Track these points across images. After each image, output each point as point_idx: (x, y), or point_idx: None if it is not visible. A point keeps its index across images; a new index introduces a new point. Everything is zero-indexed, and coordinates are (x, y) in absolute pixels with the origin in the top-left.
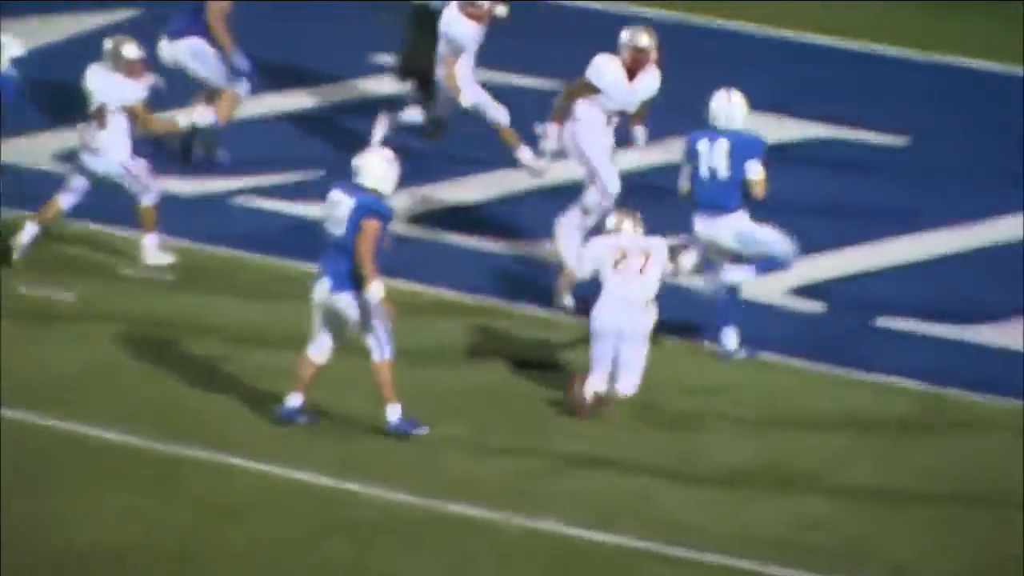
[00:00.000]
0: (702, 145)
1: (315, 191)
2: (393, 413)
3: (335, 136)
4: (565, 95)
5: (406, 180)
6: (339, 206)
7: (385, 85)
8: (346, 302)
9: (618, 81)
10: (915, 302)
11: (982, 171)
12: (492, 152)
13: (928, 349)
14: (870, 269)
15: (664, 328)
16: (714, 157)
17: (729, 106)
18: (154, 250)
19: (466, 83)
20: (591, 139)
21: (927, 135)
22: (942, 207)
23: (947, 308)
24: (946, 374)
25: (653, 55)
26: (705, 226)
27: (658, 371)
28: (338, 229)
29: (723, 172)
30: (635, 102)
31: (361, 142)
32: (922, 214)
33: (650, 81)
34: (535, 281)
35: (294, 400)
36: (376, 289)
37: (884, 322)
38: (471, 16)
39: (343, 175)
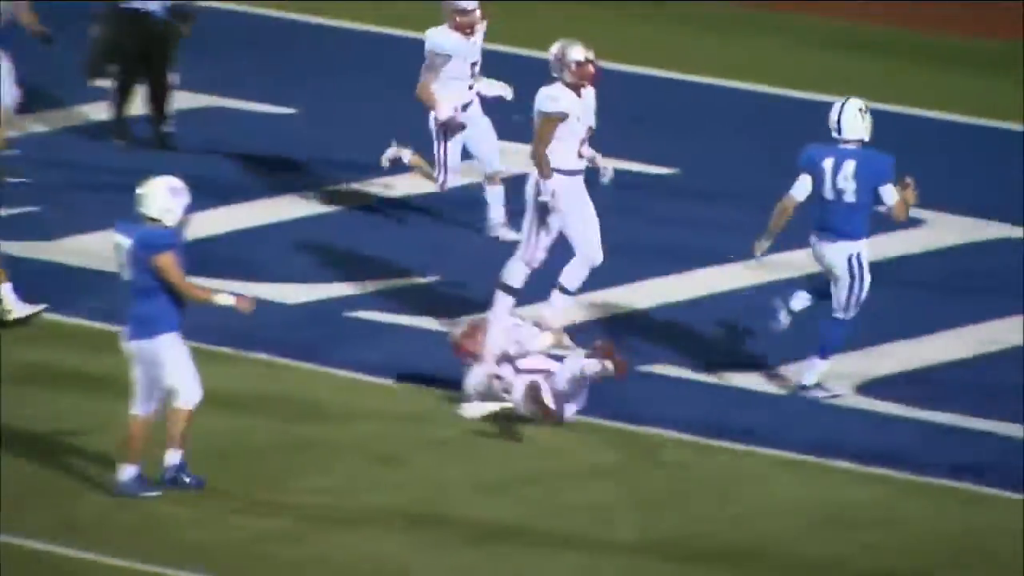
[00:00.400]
0: (828, 163)
1: (32, 228)
2: (129, 474)
3: (52, 168)
4: (540, 144)
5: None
6: (121, 248)
7: (104, 111)
8: (146, 348)
9: (574, 102)
10: (682, 346)
11: (752, 203)
12: (221, 185)
13: (696, 397)
14: (636, 310)
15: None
16: (839, 178)
17: (856, 118)
18: (16, 300)
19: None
20: (579, 203)
21: (697, 166)
22: (712, 243)
23: (715, 353)
24: (716, 424)
25: (591, 65)
26: (824, 249)
27: (405, 424)
28: (127, 273)
29: (850, 195)
30: (592, 117)
31: (79, 173)
32: (692, 250)
33: (590, 93)
34: (266, 325)
35: (172, 457)
36: (224, 299)
37: (649, 368)
38: (458, 27)
39: (61, 211)
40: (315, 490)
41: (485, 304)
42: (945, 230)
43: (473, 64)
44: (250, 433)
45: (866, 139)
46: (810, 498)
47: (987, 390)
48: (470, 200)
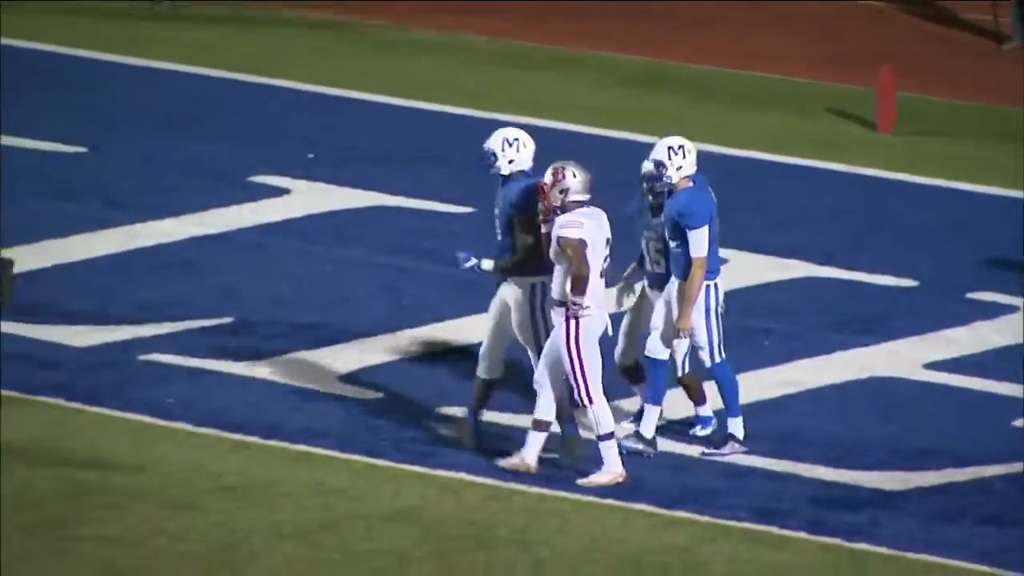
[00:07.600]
0: (713, 207)
1: None
2: None
3: None
4: None
5: None
6: None
7: None
8: None
9: None
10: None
11: None
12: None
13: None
14: None
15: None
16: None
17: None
18: None
19: None
20: None
21: None
22: None
23: None
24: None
25: None
26: (719, 291)
27: (197, 470)
28: None
29: (716, 227)
30: None
31: None
32: None
33: None
34: (54, 368)
35: None
36: None
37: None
38: None
39: None
40: (102, 538)
41: (280, 348)
42: None
43: None
44: (34, 480)
45: None
46: (611, 541)
47: (786, 432)
48: (256, 244)
